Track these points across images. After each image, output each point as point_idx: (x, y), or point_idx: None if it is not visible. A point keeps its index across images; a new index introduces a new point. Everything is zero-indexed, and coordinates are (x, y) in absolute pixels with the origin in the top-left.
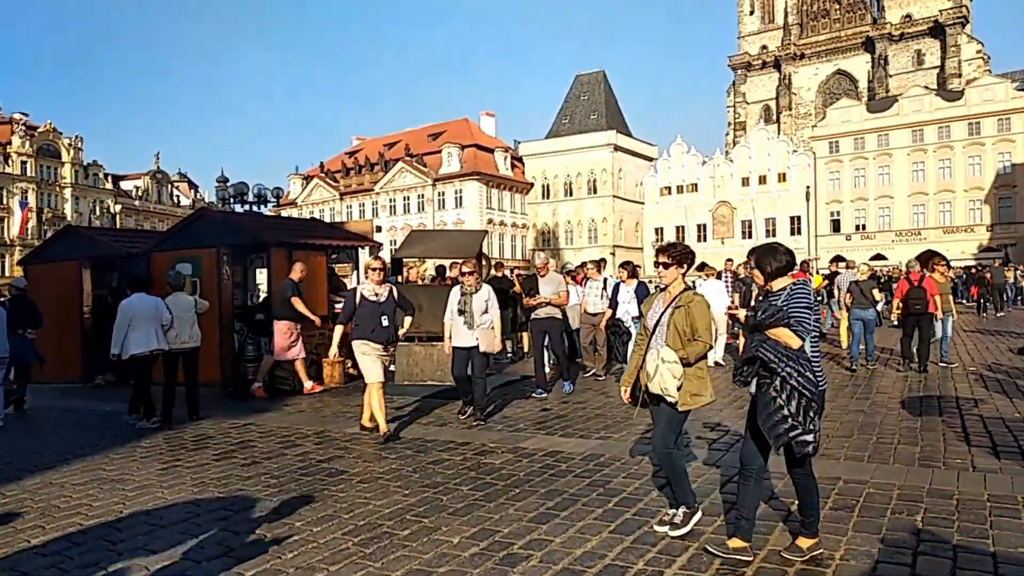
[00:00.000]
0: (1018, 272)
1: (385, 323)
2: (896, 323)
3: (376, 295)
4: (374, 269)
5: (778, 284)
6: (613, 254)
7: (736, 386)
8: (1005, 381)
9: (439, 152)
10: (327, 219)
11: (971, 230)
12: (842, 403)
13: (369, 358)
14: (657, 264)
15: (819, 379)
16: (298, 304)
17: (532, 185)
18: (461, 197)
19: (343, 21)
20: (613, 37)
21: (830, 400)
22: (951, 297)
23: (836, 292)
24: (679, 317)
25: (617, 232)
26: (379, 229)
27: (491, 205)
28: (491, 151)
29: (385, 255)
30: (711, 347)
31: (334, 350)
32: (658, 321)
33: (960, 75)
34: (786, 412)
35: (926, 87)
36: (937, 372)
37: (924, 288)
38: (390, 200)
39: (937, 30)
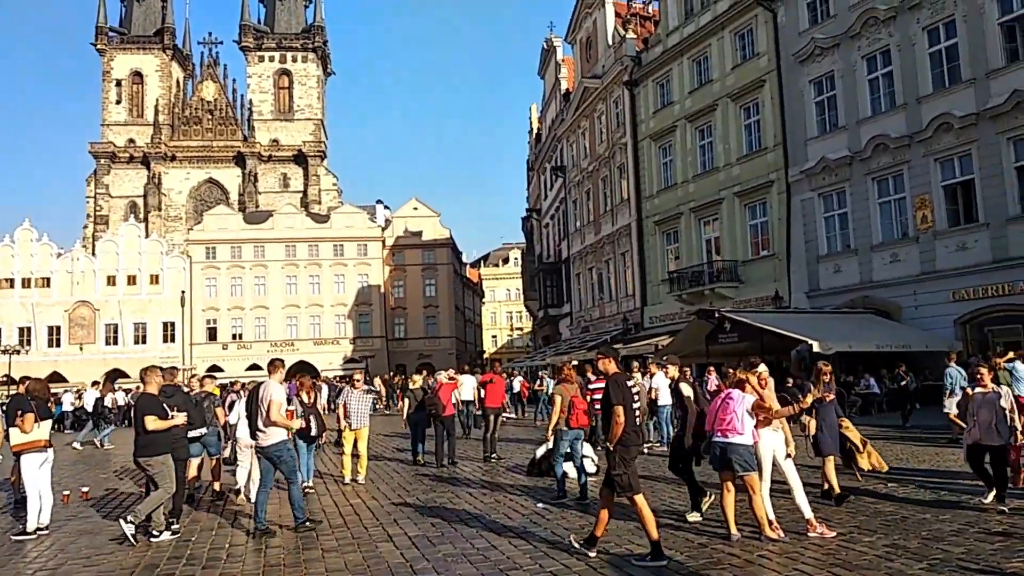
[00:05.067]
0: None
1: None
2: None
3: None
4: None
5: None
6: None
7: None
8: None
9: None
10: None
11: (337, 342)
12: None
13: None
14: None
15: None
16: None
17: None
18: None
19: None
20: None
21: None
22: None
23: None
24: None
25: None
26: None
27: None
28: None
29: None
30: None
31: None
32: None
33: (320, 202)
34: None
35: (295, 207)
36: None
37: (439, 395)
38: None
39: (300, 159)
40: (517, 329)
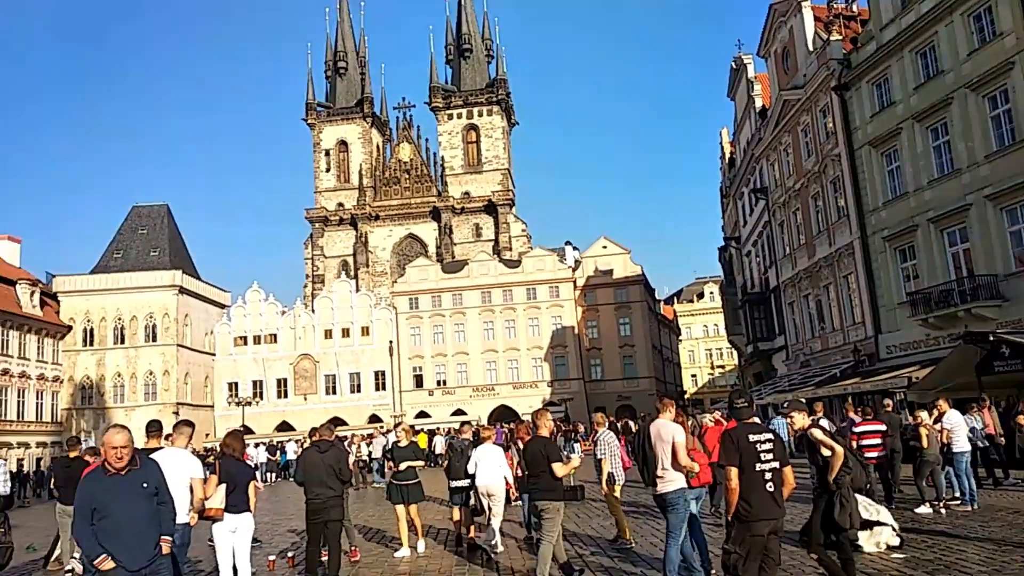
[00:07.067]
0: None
1: None
2: None
3: None
4: None
5: None
6: (176, 413)
7: None
8: None
9: None
10: None
11: (535, 385)
12: None
13: None
14: None
15: None
16: None
17: (70, 328)
18: None
19: None
20: (179, 170)
21: None
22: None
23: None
24: None
25: (182, 387)
26: None
27: (7, 351)
28: (12, 283)
29: None
30: None
31: None
32: None
33: (511, 248)
34: None
35: (487, 254)
36: None
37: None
38: None
39: (490, 208)
40: (719, 367)
